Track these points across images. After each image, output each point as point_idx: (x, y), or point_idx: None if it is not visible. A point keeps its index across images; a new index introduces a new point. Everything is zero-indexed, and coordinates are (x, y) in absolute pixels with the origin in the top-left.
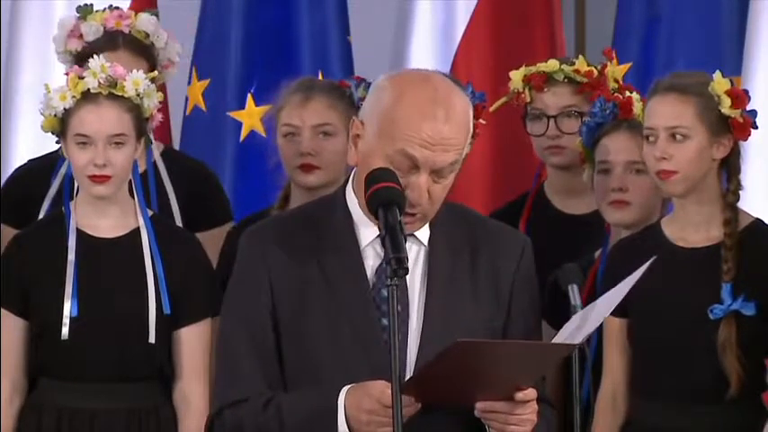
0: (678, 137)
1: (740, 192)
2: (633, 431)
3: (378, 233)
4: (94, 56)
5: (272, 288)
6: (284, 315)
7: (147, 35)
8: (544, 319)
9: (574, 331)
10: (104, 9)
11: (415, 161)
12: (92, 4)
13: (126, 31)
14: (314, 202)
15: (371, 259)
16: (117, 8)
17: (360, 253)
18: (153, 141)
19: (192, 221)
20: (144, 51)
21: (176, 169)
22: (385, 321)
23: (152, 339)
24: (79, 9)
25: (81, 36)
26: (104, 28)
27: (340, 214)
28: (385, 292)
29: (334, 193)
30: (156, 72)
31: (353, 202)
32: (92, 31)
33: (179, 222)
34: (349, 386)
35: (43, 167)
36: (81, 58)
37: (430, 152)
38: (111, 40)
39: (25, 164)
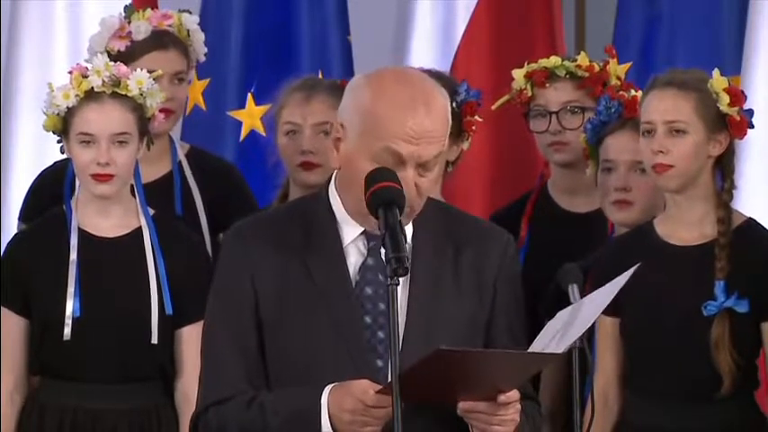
0: (676, 131)
1: (734, 191)
2: (627, 429)
3: (360, 231)
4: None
5: (254, 286)
6: (267, 313)
7: (188, 35)
8: (547, 319)
9: (559, 334)
10: (146, 9)
11: (400, 157)
12: (132, 5)
13: (170, 30)
14: (296, 201)
15: (354, 257)
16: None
17: (342, 251)
18: (177, 142)
19: (218, 222)
20: (186, 51)
21: (202, 169)
22: (368, 319)
23: (155, 339)
24: (125, 9)
25: (126, 36)
26: None
27: (323, 213)
28: (369, 290)
29: (317, 191)
30: (160, 71)
31: (336, 201)
32: (142, 30)
33: (203, 223)
34: (332, 385)
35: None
36: (125, 58)
37: (415, 146)
38: (161, 40)
39: (52, 165)
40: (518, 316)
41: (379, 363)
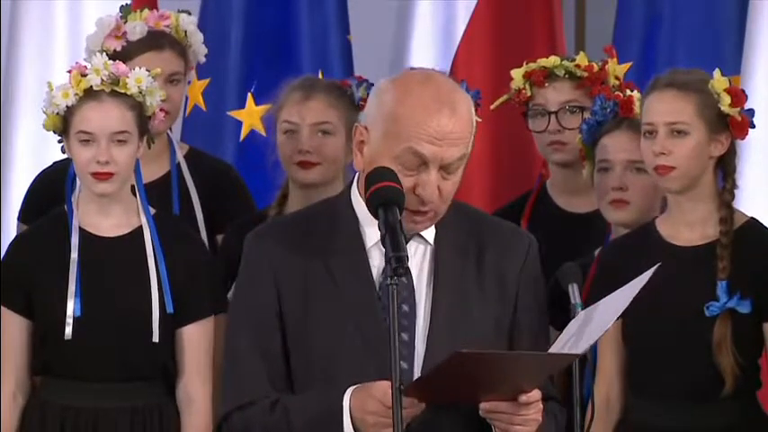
0: (677, 133)
1: (735, 190)
2: (628, 429)
3: None
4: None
5: (278, 290)
6: (290, 317)
7: (186, 35)
8: None
9: (575, 337)
10: (143, 9)
11: (423, 158)
12: (129, 4)
13: (167, 31)
14: (318, 204)
15: (377, 259)
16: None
17: (365, 253)
18: (176, 142)
19: (216, 223)
20: (183, 52)
21: (200, 170)
22: None
23: (155, 338)
24: (121, 8)
25: (122, 36)
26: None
27: (345, 215)
28: None
29: (338, 194)
30: (159, 70)
31: (359, 203)
32: (137, 30)
33: (201, 224)
34: (353, 387)
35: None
36: (120, 58)
37: (438, 147)
38: (156, 40)
39: (51, 165)
40: (540, 317)
41: (404, 365)
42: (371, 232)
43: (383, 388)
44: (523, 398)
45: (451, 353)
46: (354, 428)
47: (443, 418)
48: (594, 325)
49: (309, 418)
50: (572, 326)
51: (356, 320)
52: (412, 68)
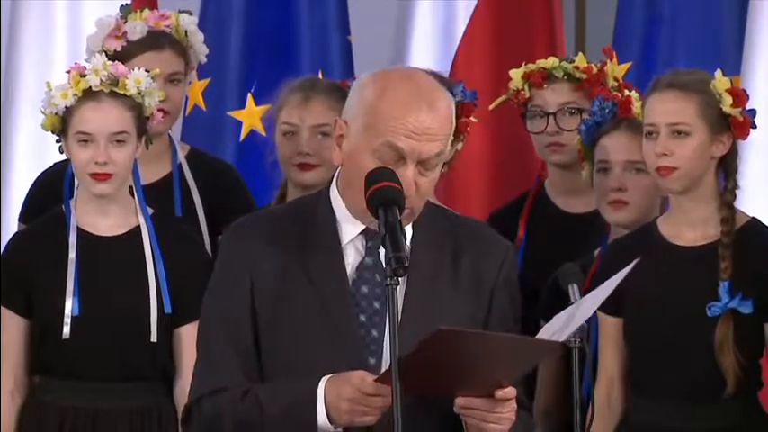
0: (679, 133)
1: (737, 191)
2: (630, 429)
3: (359, 231)
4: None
5: (252, 284)
6: (264, 310)
7: (186, 35)
8: (544, 318)
9: (559, 328)
10: (143, 9)
11: (401, 152)
12: (129, 4)
13: (167, 31)
14: (297, 200)
15: (352, 256)
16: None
17: (341, 250)
18: (177, 143)
19: (217, 224)
20: (184, 52)
21: (201, 170)
22: (363, 318)
23: (154, 338)
24: (122, 8)
25: (122, 36)
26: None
27: (323, 212)
28: (365, 289)
29: (318, 191)
30: (158, 70)
31: (337, 200)
32: (137, 30)
33: (203, 225)
34: (328, 376)
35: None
36: (120, 58)
37: (416, 142)
38: (156, 40)
39: (52, 166)
40: (514, 321)
41: (372, 360)
42: (348, 229)
43: (360, 375)
44: (500, 393)
45: (433, 330)
46: (328, 417)
47: (417, 415)
48: (576, 319)
49: (282, 406)
50: (555, 321)
51: (329, 316)
52: None
